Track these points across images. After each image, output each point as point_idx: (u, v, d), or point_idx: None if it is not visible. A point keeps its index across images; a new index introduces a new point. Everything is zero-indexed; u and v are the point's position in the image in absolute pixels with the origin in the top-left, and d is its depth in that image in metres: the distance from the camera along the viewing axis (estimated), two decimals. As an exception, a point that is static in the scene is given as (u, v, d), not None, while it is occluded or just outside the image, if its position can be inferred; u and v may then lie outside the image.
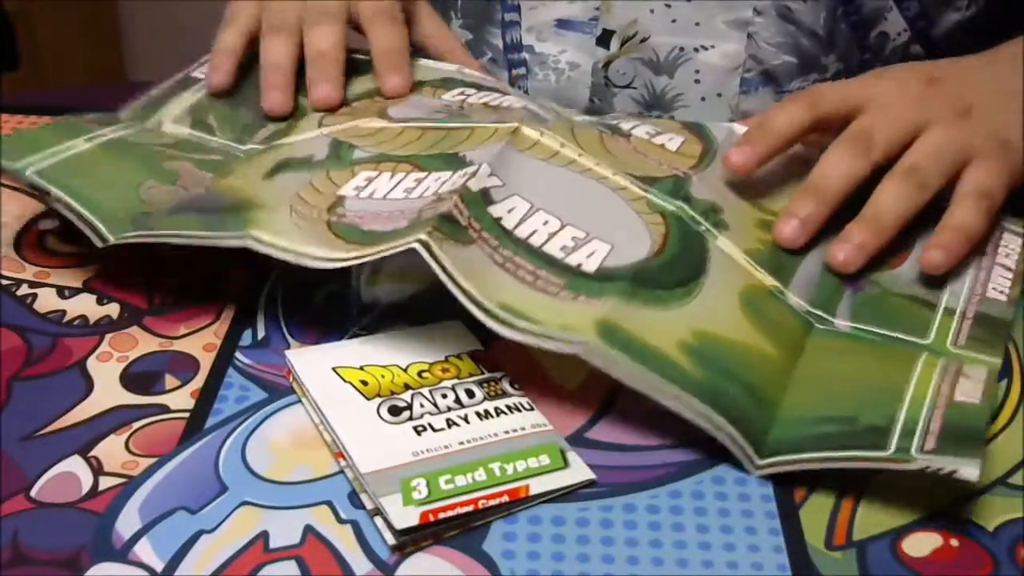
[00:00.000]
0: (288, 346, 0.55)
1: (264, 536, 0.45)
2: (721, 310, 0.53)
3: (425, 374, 0.52)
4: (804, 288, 0.56)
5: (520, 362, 0.54)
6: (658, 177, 0.59)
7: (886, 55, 0.76)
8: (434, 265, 0.50)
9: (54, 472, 0.48)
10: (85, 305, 0.58)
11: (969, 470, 0.44)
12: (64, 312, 0.57)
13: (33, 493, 0.47)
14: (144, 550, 0.44)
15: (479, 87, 0.69)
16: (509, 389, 0.52)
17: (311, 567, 0.44)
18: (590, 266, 0.53)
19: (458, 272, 0.50)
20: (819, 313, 0.56)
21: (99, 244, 0.57)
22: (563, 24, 0.76)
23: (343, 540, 0.45)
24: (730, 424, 0.48)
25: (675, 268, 0.54)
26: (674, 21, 0.74)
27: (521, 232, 0.53)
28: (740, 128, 0.64)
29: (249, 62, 0.70)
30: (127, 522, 0.46)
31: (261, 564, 0.44)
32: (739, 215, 0.59)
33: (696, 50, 0.74)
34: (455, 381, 0.52)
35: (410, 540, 0.45)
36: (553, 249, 0.53)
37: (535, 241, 0.53)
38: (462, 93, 0.68)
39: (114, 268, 0.60)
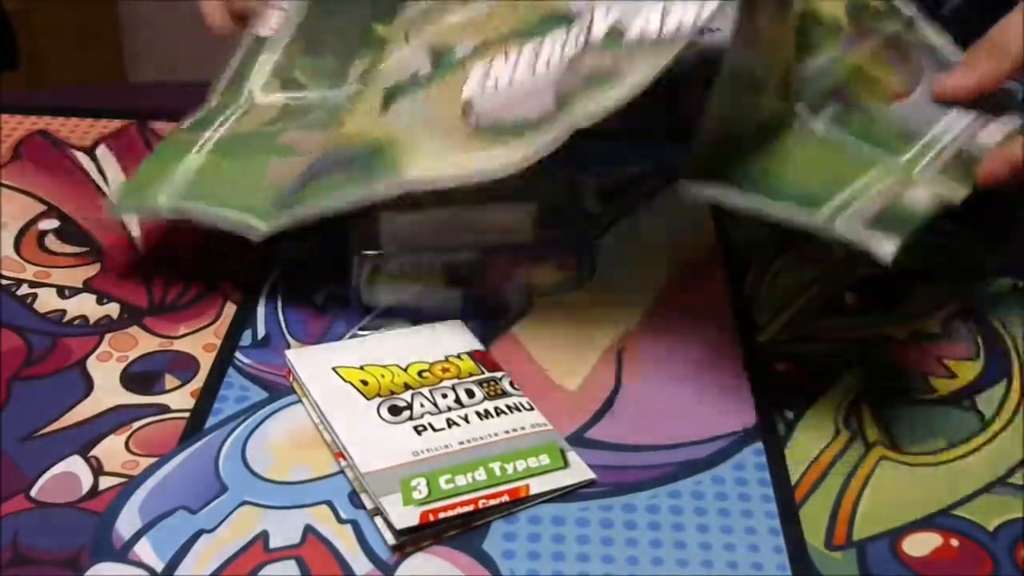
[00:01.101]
0: (288, 346, 0.55)
1: (264, 536, 0.45)
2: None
3: (425, 374, 0.52)
4: (798, 85, 0.56)
5: (520, 362, 0.54)
6: None
7: None
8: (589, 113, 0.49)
9: (54, 472, 0.48)
10: (85, 305, 0.58)
11: (883, 245, 0.44)
12: (64, 312, 0.57)
13: (33, 493, 0.47)
14: (144, 550, 0.44)
15: None
16: (509, 389, 0.52)
17: (311, 567, 0.44)
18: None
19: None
20: (802, 109, 0.55)
21: (257, 239, 0.56)
22: None
23: (343, 540, 0.45)
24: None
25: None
26: None
27: (668, 30, 0.51)
28: None
29: (318, 9, 0.69)
30: (127, 522, 0.46)
31: (261, 564, 0.44)
32: None
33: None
34: (455, 381, 0.52)
35: (410, 540, 0.45)
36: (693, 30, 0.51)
37: (684, 31, 0.51)
38: None
39: (114, 268, 0.60)
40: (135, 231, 0.63)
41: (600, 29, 0.53)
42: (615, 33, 0.52)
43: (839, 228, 0.45)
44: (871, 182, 0.50)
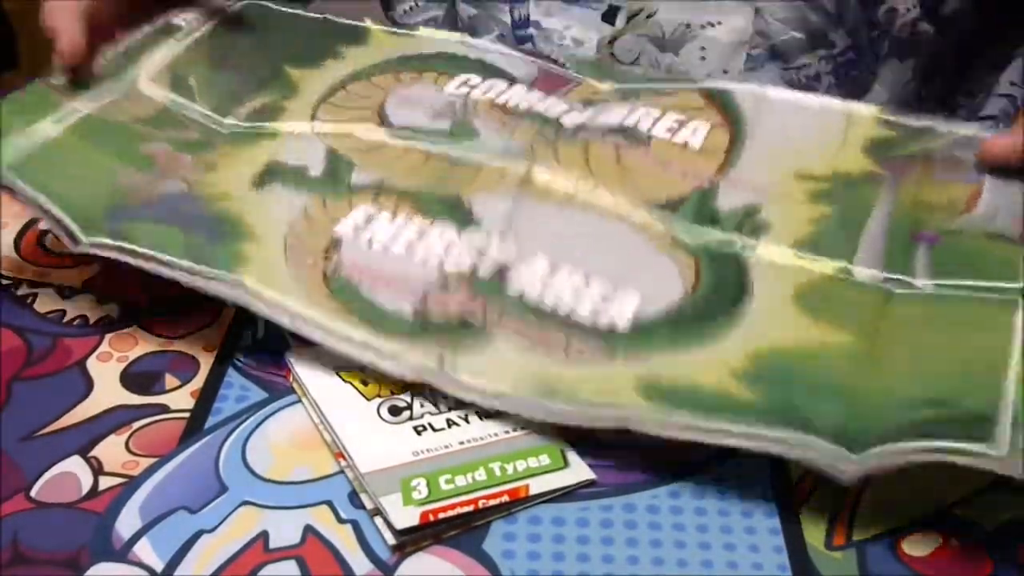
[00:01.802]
0: (288, 346, 0.55)
1: (264, 536, 0.45)
2: (775, 322, 0.50)
3: (425, 374, 0.52)
4: (873, 256, 0.53)
5: (520, 362, 0.54)
6: (682, 197, 0.56)
7: (895, 31, 0.75)
8: (448, 389, 0.49)
9: (54, 472, 0.48)
10: (85, 305, 0.58)
11: None
12: (64, 312, 0.57)
13: (33, 493, 0.47)
14: (144, 550, 0.44)
15: (484, 67, 0.66)
16: (509, 389, 0.52)
17: (311, 567, 0.44)
18: (622, 323, 0.50)
19: (476, 378, 0.49)
20: (896, 277, 0.52)
21: (73, 248, 0.54)
22: (570, 0, 0.76)
23: (343, 540, 0.45)
24: (809, 435, 0.45)
25: (714, 301, 0.51)
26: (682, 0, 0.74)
27: (547, 302, 0.51)
28: (773, 91, 0.62)
29: (242, 26, 0.68)
30: (127, 522, 0.46)
31: (261, 564, 0.44)
32: (782, 199, 0.56)
33: (703, 26, 0.74)
34: (455, 381, 0.52)
35: (410, 540, 0.45)
36: (583, 313, 0.50)
37: (563, 309, 0.51)
38: (466, 83, 0.65)
39: (114, 268, 0.60)
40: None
41: (487, 268, 0.52)
42: (500, 276, 0.52)
43: None
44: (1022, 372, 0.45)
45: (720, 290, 0.52)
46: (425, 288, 0.52)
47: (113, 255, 0.54)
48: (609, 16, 0.75)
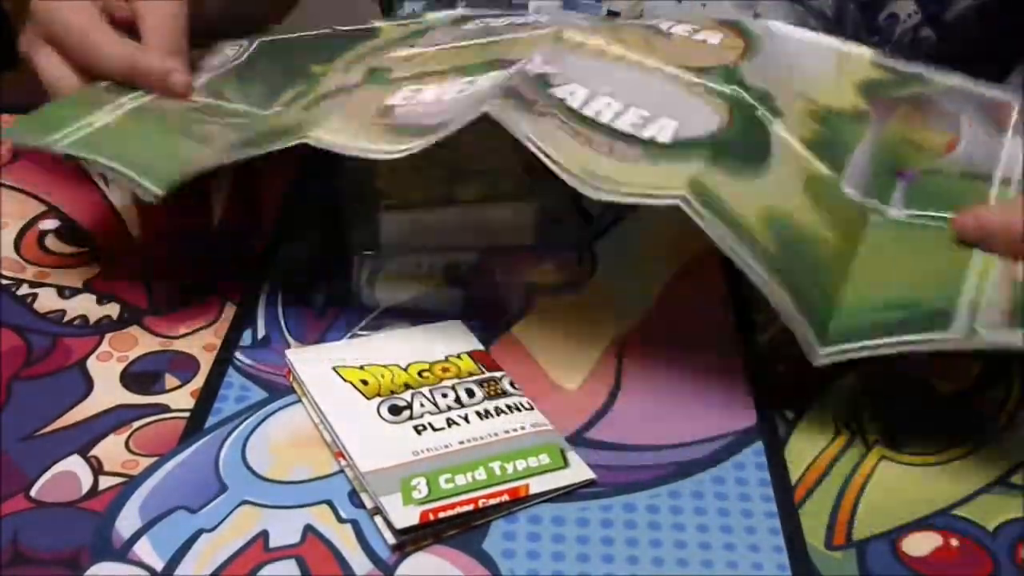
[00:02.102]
0: (288, 346, 0.55)
1: (264, 535, 0.45)
2: (789, 192, 0.52)
3: (425, 374, 0.52)
4: (857, 179, 0.56)
5: (520, 362, 0.54)
6: (708, 67, 0.58)
7: (896, 38, 0.75)
8: (511, 127, 0.49)
9: (54, 472, 0.48)
10: (85, 305, 0.58)
11: None
12: (64, 312, 0.57)
13: (33, 493, 0.47)
14: (144, 550, 0.44)
15: (502, 15, 0.68)
16: (509, 389, 0.52)
17: (311, 567, 0.44)
18: (664, 137, 0.52)
19: (534, 136, 0.49)
20: (873, 204, 0.56)
21: (150, 199, 0.54)
22: (569, 4, 0.76)
23: (343, 540, 0.45)
24: (798, 307, 0.48)
25: (745, 144, 0.53)
26: (679, 2, 0.74)
27: (588, 111, 0.53)
28: (776, 25, 0.63)
29: (260, 56, 0.68)
30: (127, 522, 0.46)
31: (261, 564, 0.44)
32: (790, 103, 0.58)
33: None
34: (455, 381, 0.52)
35: (410, 539, 0.45)
36: (623, 125, 0.52)
37: (604, 119, 0.52)
38: (482, 21, 0.66)
39: (114, 268, 0.60)
40: (135, 231, 0.63)
41: (531, 69, 0.54)
42: (542, 79, 0.53)
43: (988, 341, 0.46)
44: (983, 270, 0.50)
45: (749, 137, 0.54)
46: (478, 92, 0.53)
47: (185, 178, 0.54)
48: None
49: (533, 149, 0.49)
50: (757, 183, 0.52)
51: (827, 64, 0.62)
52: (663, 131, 0.52)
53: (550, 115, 0.51)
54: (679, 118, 0.53)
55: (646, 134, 0.52)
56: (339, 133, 0.53)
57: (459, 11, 0.70)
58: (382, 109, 0.55)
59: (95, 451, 0.49)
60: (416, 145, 0.51)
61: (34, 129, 0.59)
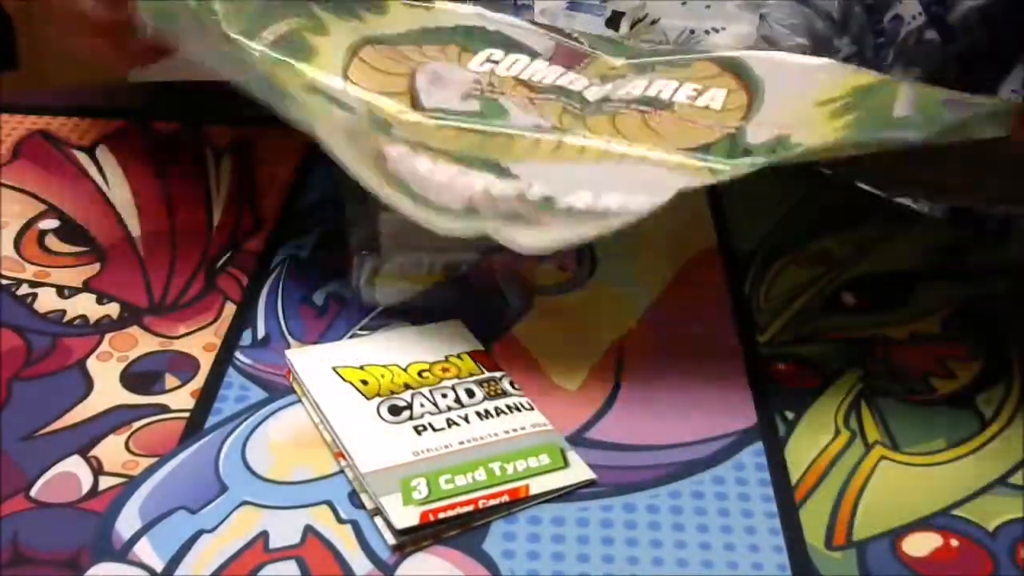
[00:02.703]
0: (288, 346, 0.55)
1: (264, 536, 0.45)
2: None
3: (425, 374, 0.52)
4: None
5: (520, 362, 0.54)
6: (712, 142, 0.56)
7: (900, 39, 0.75)
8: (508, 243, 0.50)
9: (54, 472, 0.48)
10: (85, 305, 0.58)
11: None
12: (64, 312, 0.57)
13: (33, 493, 0.47)
14: (144, 550, 0.44)
15: (504, 41, 0.65)
16: (509, 389, 0.52)
17: (311, 567, 0.44)
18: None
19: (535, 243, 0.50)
20: None
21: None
22: (574, 6, 0.76)
23: (343, 540, 0.45)
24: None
25: None
26: (684, 3, 0.74)
27: (598, 206, 0.52)
28: (781, 56, 0.62)
29: None
30: (127, 522, 0.46)
31: (261, 564, 0.44)
32: (807, 125, 0.56)
33: (707, 32, 0.74)
34: (455, 381, 0.52)
35: (410, 540, 0.45)
36: (635, 206, 0.52)
37: (614, 207, 0.52)
38: (489, 58, 0.63)
39: (114, 268, 0.60)
40: (135, 231, 0.64)
41: (535, 194, 0.52)
42: (547, 200, 0.52)
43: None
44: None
45: None
46: (471, 195, 0.52)
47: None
48: (613, 22, 0.75)
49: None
50: None
51: (839, 72, 0.60)
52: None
53: (552, 222, 0.51)
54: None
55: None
56: (337, 146, 0.52)
57: (472, 9, 0.67)
58: (376, 153, 0.54)
59: (95, 451, 0.49)
60: (396, 200, 0.51)
61: None
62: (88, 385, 0.53)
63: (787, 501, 0.47)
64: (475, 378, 0.52)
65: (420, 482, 0.46)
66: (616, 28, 0.75)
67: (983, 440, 0.51)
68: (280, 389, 0.53)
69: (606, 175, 0.55)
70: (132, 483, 0.47)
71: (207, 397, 0.52)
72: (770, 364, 0.55)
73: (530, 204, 0.52)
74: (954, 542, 0.46)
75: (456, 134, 0.58)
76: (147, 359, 0.54)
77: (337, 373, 0.52)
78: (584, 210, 0.51)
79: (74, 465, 0.48)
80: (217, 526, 0.45)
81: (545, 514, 0.46)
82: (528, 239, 0.50)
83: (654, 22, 0.74)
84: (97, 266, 0.61)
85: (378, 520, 0.46)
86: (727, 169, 0.54)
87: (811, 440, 0.51)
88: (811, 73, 0.60)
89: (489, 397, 0.51)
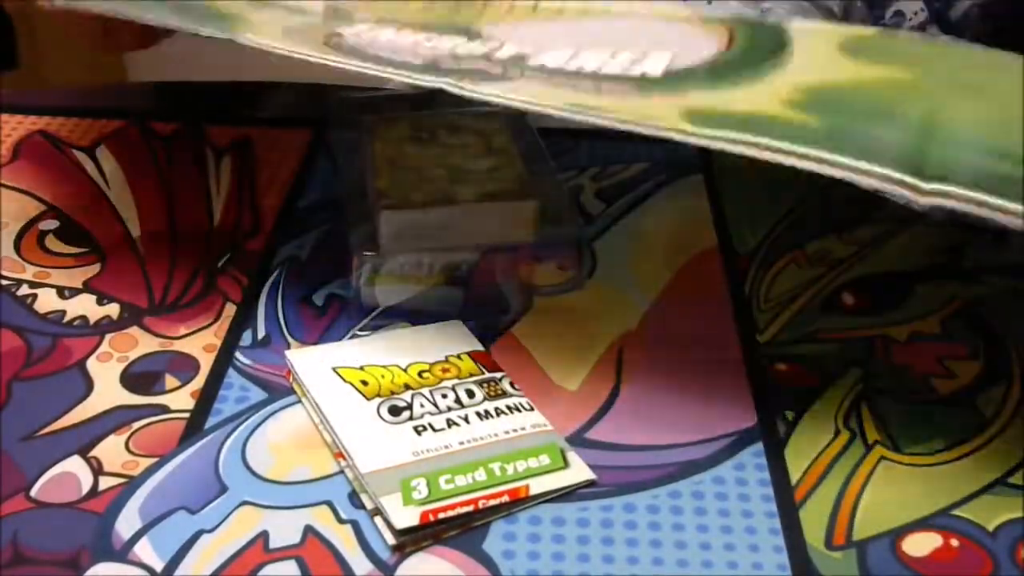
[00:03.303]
0: (288, 346, 0.55)
1: (264, 536, 0.45)
2: (821, 64, 0.47)
3: (425, 374, 0.52)
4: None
5: (520, 362, 0.54)
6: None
7: None
8: (475, 95, 0.46)
9: (54, 472, 0.48)
10: (85, 305, 0.58)
11: None
12: (64, 312, 0.57)
13: (33, 493, 0.47)
14: (144, 550, 0.44)
15: None
16: (509, 389, 0.52)
17: (311, 567, 0.44)
18: (656, 71, 0.48)
19: (502, 93, 0.45)
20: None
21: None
22: None
23: (343, 540, 0.45)
24: (873, 163, 0.41)
25: (752, 51, 0.49)
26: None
27: (571, 66, 0.49)
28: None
29: None
30: (127, 522, 0.46)
31: (261, 564, 0.44)
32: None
33: None
34: (455, 381, 0.52)
35: (410, 540, 0.45)
36: (612, 69, 0.49)
37: (588, 68, 0.49)
38: None
39: (114, 268, 0.60)
40: (135, 231, 0.64)
41: (506, 52, 0.51)
42: (518, 58, 0.50)
43: None
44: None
45: (758, 45, 0.49)
46: (435, 55, 0.50)
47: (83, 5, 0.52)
48: None
49: (504, 103, 0.45)
50: (778, 75, 0.46)
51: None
52: (655, 65, 0.48)
53: (523, 78, 0.48)
54: (672, 51, 0.49)
55: (636, 71, 0.48)
56: (274, 40, 0.50)
57: None
58: (330, 33, 0.52)
59: (95, 451, 0.49)
60: (347, 63, 0.48)
61: None
62: (88, 385, 0.53)
63: (787, 501, 0.47)
64: (475, 378, 0.52)
65: (420, 482, 0.46)
66: None
67: (983, 440, 0.51)
68: (280, 389, 0.53)
69: (587, 33, 0.52)
70: (132, 483, 0.47)
71: (207, 397, 0.52)
72: (770, 364, 0.55)
73: (499, 63, 0.49)
74: (954, 542, 0.46)
75: (426, 6, 0.56)
76: (147, 359, 0.54)
77: (337, 373, 0.52)
78: (557, 69, 0.49)
79: (74, 465, 0.48)
80: (217, 526, 0.45)
81: (545, 514, 0.46)
82: (494, 91, 0.46)
83: None
84: (97, 266, 0.61)
85: (378, 520, 0.46)
86: (719, 16, 0.52)
87: (811, 440, 0.51)
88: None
89: (489, 397, 0.51)
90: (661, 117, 0.44)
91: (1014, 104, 0.43)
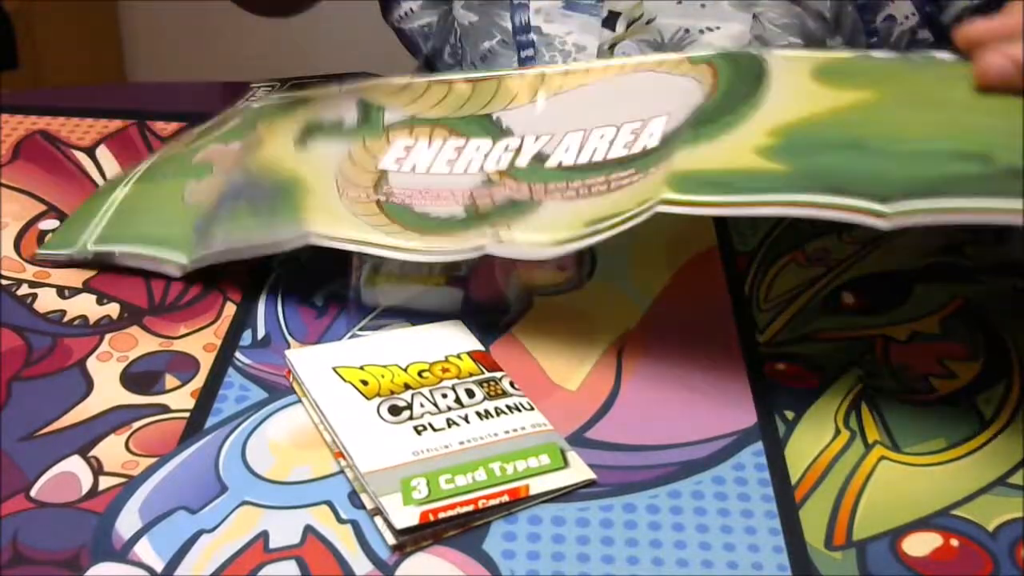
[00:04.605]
0: (288, 346, 0.55)
1: (264, 536, 0.45)
2: (793, 96, 0.50)
3: (425, 374, 0.52)
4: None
5: (520, 362, 0.54)
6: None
7: (893, 39, 0.75)
8: (512, 251, 0.52)
9: (54, 472, 0.48)
10: (85, 305, 0.58)
11: None
12: (64, 312, 0.57)
13: (33, 493, 0.47)
14: (144, 550, 0.44)
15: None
16: (509, 389, 0.52)
17: (311, 567, 0.44)
18: (654, 141, 0.52)
19: (533, 235, 0.51)
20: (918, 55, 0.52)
21: (178, 273, 0.58)
22: (570, 6, 0.76)
23: (343, 540, 0.45)
24: (838, 196, 0.44)
25: (733, 92, 0.52)
26: (680, 2, 0.74)
27: (583, 159, 0.54)
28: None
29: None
30: (127, 522, 0.46)
31: (261, 564, 0.44)
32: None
33: (701, 31, 0.74)
34: (455, 381, 0.52)
35: (410, 540, 0.45)
36: (617, 151, 0.53)
37: (598, 157, 0.54)
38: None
39: (114, 268, 0.60)
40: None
41: (524, 159, 0.55)
42: (538, 159, 0.55)
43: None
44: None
45: (739, 80, 0.52)
46: (471, 188, 0.55)
47: (211, 261, 0.58)
48: (609, 22, 0.75)
49: (538, 250, 0.51)
50: (752, 120, 0.49)
51: None
52: (653, 136, 0.53)
53: (548, 195, 0.53)
54: (668, 110, 0.53)
55: (639, 147, 0.53)
56: (340, 223, 0.55)
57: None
58: (377, 179, 0.57)
59: (95, 451, 0.49)
60: (412, 249, 0.54)
61: (62, 235, 0.62)
62: (88, 385, 0.53)
63: (787, 501, 0.47)
64: (475, 378, 0.52)
65: (420, 482, 0.46)
66: (612, 28, 0.75)
67: (983, 440, 0.51)
68: (280, 389, 0.53)
69: (592, 103, 0.56)
70: (132, 483, 0.47)
71: (207, 397, 0.52)
72: (770, 364, 0.55)
73: (523, 176, 0.54)
74: (954, 542, 0.46)
75: (445, 89, 0.61)
76: (147, 359, 0.54)
77: (337, 373, 0.52)
78: (571, 166, 0.54)
79: (74, 465, 0.48)
80: (217, 526, 0.45)
81: (545, 514, 0.46)
82: (527, 239, 0.51)
83: (650, 21, 0.74)
84: (97, 266, 0.61)
85: (378, 520, 0.46)
86: (703, 55, 0.55)
87: (811, 440, 0.51)
88: None
89: (489, 397, 0.51)
90: (651, 195, 0.49)
91: (966, 111, 0.46)
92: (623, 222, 0.49)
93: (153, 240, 0.59)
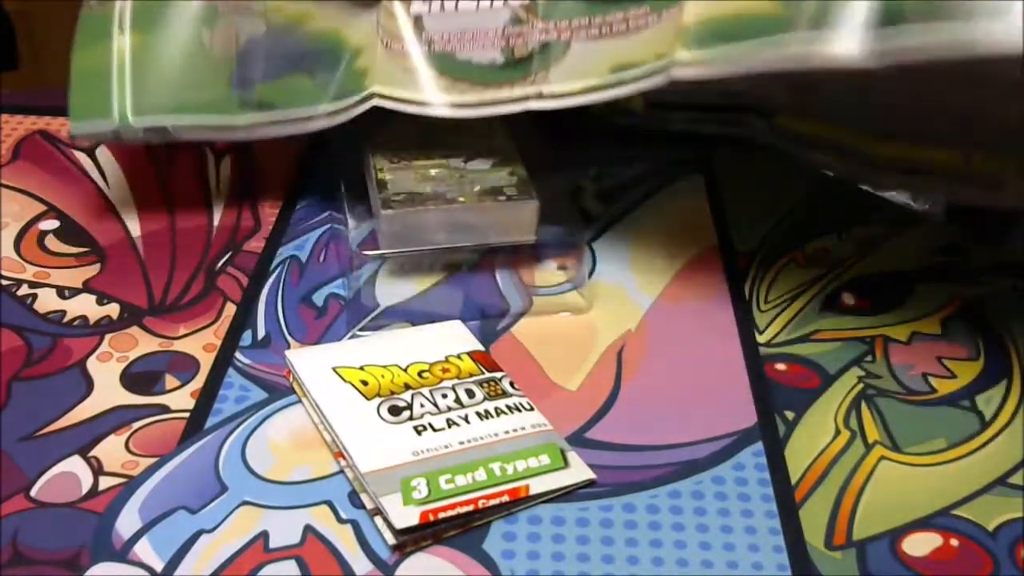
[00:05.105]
0: (288, 346, 0.55)
1: (264, 536, 0.45)
2: None
3: (425, 374, 0.52)
4: None
5: (520, 362, 0.54)
6: None
7: None
8: (554, 104, 0.54)
9: (54, 472, 0.48)
10: (85, 305, 0.58)
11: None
12: (64, 312, 0.57)
13: (33, 493, 0.47)
14: (144, 550, 0.44)
15: None
16: (509, 389, 0.52)
17: (311, 567, 0.44)
18: None
19: (569, 84, 0.54)
20: None
21: (242, 138, 0.58)
22: None
23: (343, 540, 0.45)
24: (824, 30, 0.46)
25: None
26: None
27: None
28: None
29: None
30: (127, 522, 0.46)
31: (261, 564, 0.44)
32: None
33: None
34: (455, 381, 0.52)
35: (410, 540, 0.45)
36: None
37: None
38: None
39: (114, 268, 0.60)
40: (135, 231, 0.64)
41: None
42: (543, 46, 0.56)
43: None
44: None
45: None
46: (504, 29, 0.56)
47: (264, 132, 0.58)
48: None
49: (575, 97, 0.54)
50: None
51: None
52: None
53: (575, 33, 0.55)
54: None
55: None
56: (398, 84, 0.57)
57: None
58: (413, 27, 0.58)
59: (95, 451, 0.49)
60: (467, 103, 0.56)
61: (87, 107, 0.60)
62: (88, 385, 0.53)
63: (787, 501, 0.47)
64: (475, 378, 0.52)
65: (420, 482, 0.46)
66: None
67: (983, 440, 0.51)
68: (280, 389, 0.53)
69: None
70: (132, 483, 0.47)
71: (207, 397, 0.52)
72: (770, 364, 0.55)
73: (551, 21, 0.55)
74: (954, 542, 0.46)
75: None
76: (147, 359, 0.54)
77: (337, 373, 0.52)
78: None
79: (74, 465, 0.48)
80: (217, 526, 0.45)
81: (545, 514, 0.46)
82: (563, 74, 0.55)
83: None
84: (97, 266, 0.61)
85: (378, 520, 0.46)
86: None
87: (811, 440, 0.51)
88: None
89: (489, 397, 0.51)
90: (667, 52, 0.51)
91: None
92: (643, 76, 0.51)
93: (196, 107, 0.58)
